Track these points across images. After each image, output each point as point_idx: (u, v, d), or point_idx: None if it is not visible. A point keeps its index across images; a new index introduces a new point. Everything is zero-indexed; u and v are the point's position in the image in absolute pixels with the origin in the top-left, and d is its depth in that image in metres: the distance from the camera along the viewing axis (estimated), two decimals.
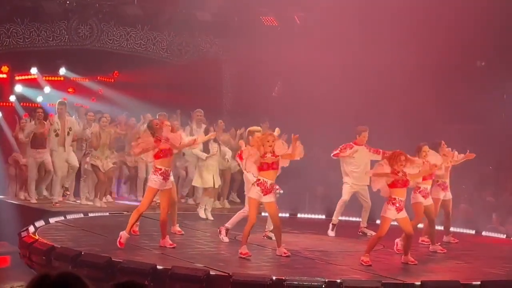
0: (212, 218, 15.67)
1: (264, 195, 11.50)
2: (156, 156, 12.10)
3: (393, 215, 11.19)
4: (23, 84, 19.83)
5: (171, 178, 12.38)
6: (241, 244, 11.67)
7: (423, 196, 12.94)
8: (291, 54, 18.63)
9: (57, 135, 16.51)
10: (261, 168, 11.49)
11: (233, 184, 18.38)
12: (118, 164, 17.69)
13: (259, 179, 11.53)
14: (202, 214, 15.82)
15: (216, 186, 16.23)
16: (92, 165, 16.73)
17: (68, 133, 16.63)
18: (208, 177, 15.90)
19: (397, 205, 11.16)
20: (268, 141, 11.46)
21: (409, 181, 11.35)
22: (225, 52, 21.44)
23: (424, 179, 12.80)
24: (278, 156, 11.51)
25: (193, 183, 16.60)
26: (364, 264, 11.28)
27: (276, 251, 11.94)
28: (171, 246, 12.09)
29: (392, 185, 11.24)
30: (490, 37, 17.88)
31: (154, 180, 12.05)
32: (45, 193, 17.27)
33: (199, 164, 16.10)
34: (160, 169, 12.06)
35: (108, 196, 17.46)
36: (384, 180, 11.26)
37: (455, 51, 17.39)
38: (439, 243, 13.35)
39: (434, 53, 17.75)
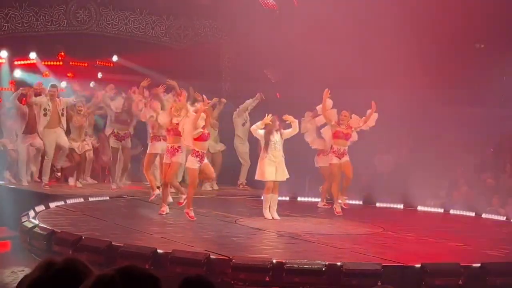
0: (278, 218, 13.94)
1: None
2: None
3: (196, 165, 13.09)
4: (22, 69, 19.78)
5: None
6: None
7: (337, 156, 14.64)
8: (290, 37, 18.56)
9: (45, 114, 16.60)
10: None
11: None
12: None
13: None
14: (267, 215, 13.96)
15: (279, 179, 14.01)
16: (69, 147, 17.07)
17: (62, 114, 16.81)
18: (270, 170, 13.88)
19: (198, 155, 13.08)
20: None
21: (206, 135, 13.15)
22: (224, 36, 21.36)
23: (336, 137, 14.68)
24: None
25: (256, 177, 14.46)
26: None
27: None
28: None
29: (195, 139, 13.01)
30: (488, 19, 17.82)
31: None
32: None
33: (262, 155, 14.07)
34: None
35: (88, 177, 17.75)
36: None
37: (453, 33, 17.34)
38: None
39: (433, 35, 17.71)
